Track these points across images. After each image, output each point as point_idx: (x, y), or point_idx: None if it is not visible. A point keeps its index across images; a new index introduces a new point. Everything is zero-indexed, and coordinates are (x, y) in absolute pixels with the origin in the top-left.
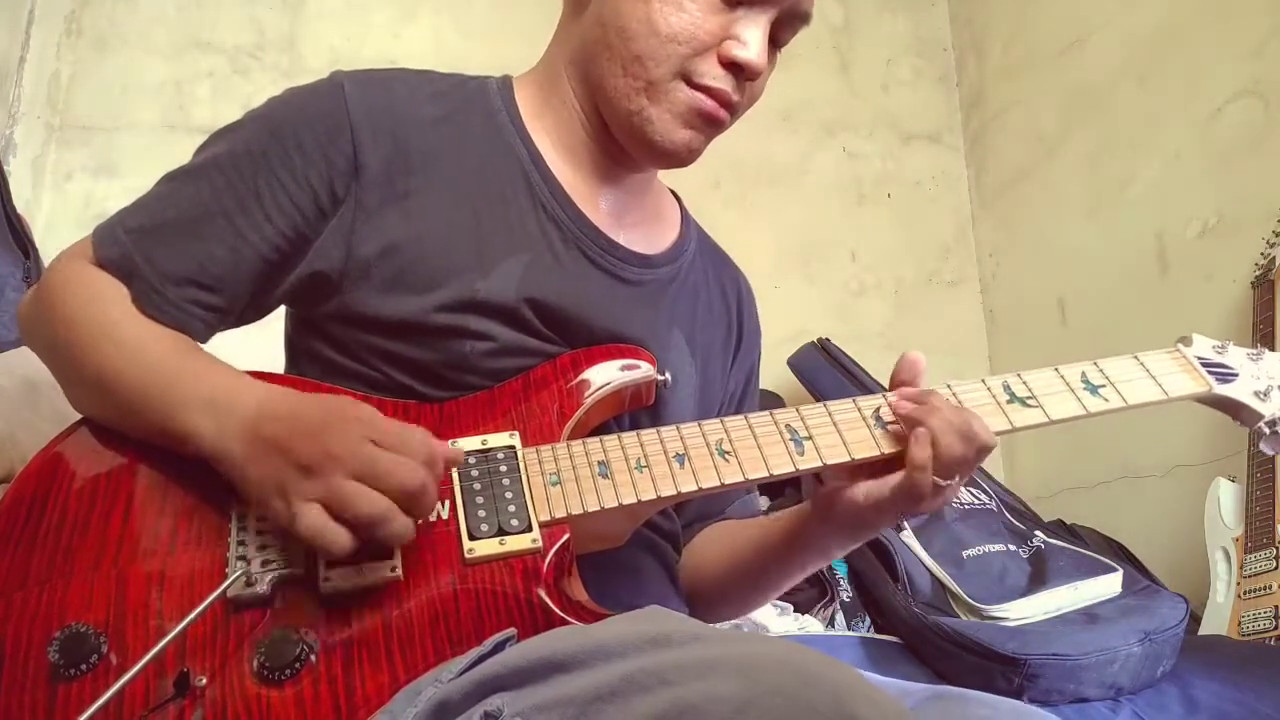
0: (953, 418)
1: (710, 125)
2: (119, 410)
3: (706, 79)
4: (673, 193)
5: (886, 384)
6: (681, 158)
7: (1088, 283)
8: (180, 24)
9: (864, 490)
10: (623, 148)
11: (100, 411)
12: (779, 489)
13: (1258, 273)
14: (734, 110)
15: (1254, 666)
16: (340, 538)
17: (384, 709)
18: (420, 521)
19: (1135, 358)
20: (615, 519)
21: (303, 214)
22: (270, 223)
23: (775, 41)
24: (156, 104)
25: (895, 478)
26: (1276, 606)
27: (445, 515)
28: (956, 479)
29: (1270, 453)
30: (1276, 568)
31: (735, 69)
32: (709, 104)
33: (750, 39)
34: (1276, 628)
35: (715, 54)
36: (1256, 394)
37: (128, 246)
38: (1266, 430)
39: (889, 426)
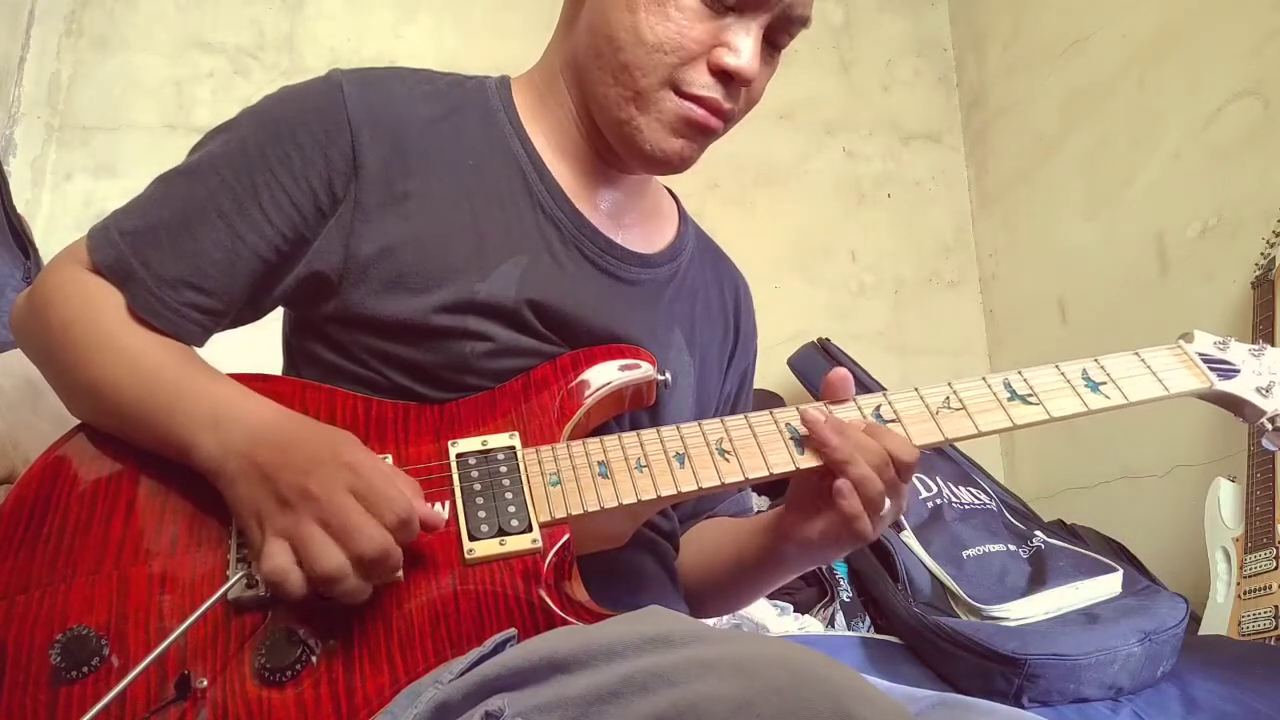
0: (860, 437)
1: (702, 134)
2: (117, 420)
3: (695, 88)
4: (670, 192)
5: (887, 384)
6: (674, 165)
7: (1088, 283)
8: (180, 24)
9: (818, 528)
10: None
11: (97, 418)
12: (779, 489)
13: (1258, 273)
14: (727, 118)
15: (1254, 666)
16: (294, 586)
17: (385, 710)
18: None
19: (1136, 354)
20: (615, 519)
21: (301, 214)
22: (269, 223)
23: (774, 44)
24: (156, 104)
25: (831, 512)
26: (1276, 606)
27: (445, 516)
28: (891, 497)
29: (1272, 449)
30: (1276, 568)
31: (725, 77)
32: (699, 113)
33: (740, 45)
34: (1276, 628)
35: (705, 62)
36: (1258, 390)
37: (123, 250)
38: (1268, 426)
39: (889, 425)
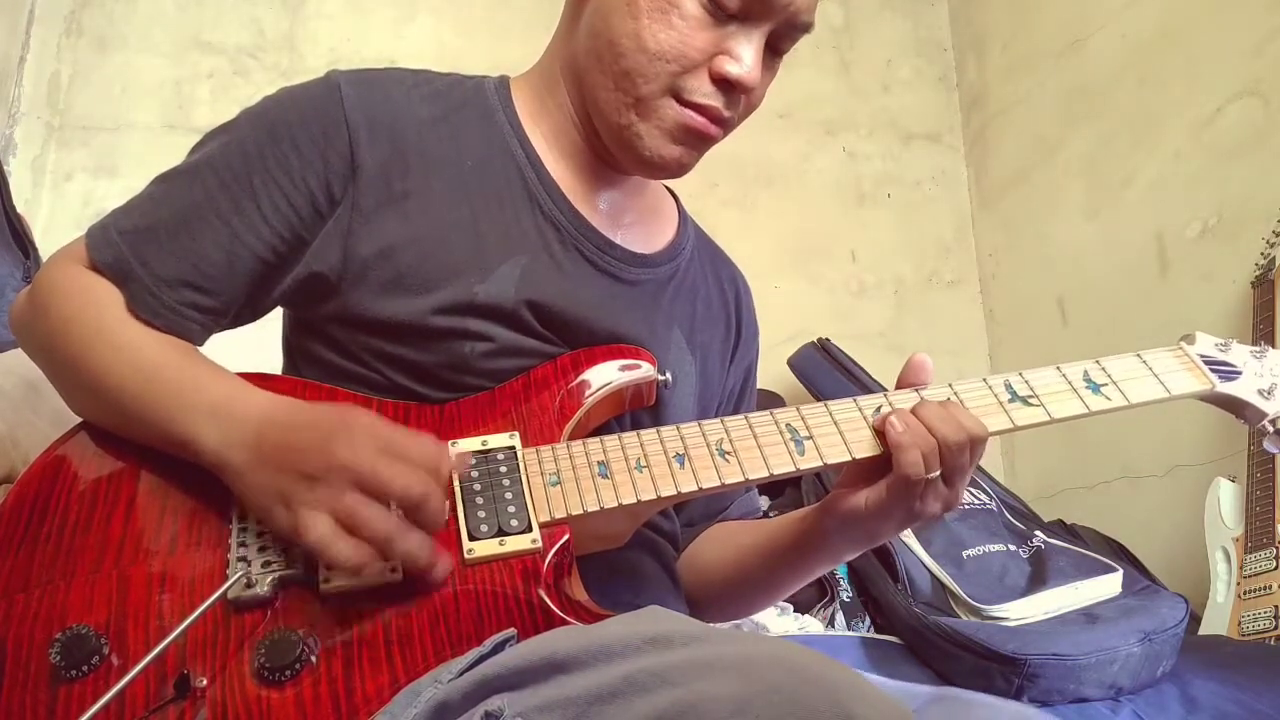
0: (935, 409)
1: (701, 141)
2: (119, 417)
3: (696, 96)
4: (670, 191)
5: (888, 384)
6: (672, 171)
7: (1088, 283)
8: (180, 24)
9: (865, 496)
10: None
11: (98, 416)
12: (779, 489)
13: (1258, 273)
14: (727, 125)
15: (1254, 666)
16: (348, 552)
17: (384, 710)
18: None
19: (1138, 356)
20: (615, 519)
21: (299, 215)
22: (267, 224)
23: (776, 50)
24: (156, 104)
25: (888, 477)
26: (1276, 606)
27: (445, 516)
28: (949, 477)
29: (1273, 451)
30: (1276, 568)
31: (726, 85)
32: (699, 120)
33: (742, 54)
34: (1276, 628)
35: (706, 70)
36: (1260, 392)
37: (121, 249)
38: (1270, 429)
39: None
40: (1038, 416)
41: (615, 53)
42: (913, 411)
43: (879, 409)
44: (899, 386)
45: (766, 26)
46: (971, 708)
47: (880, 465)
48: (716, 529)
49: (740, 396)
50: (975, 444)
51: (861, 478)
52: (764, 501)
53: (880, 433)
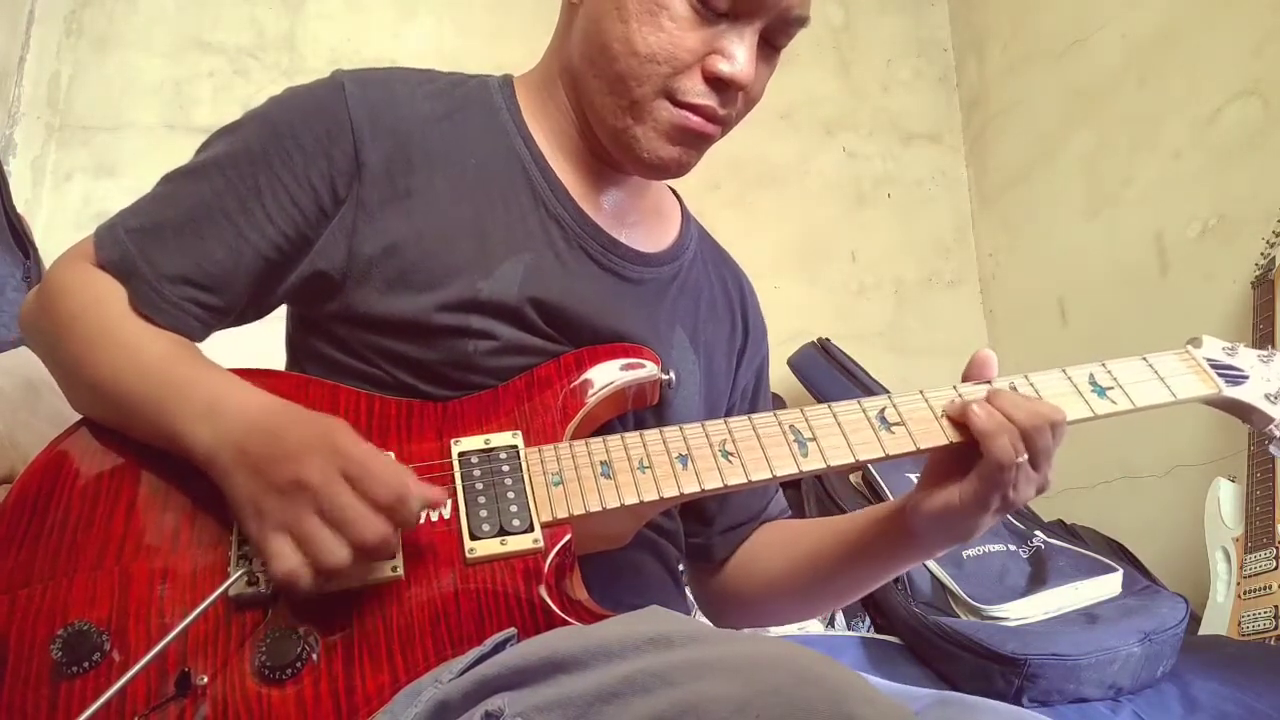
0: (1011, 396)
1: (698, 141)
2: (117, 412)
3: (690, 96)
4: (673, 191)
5: (888, 384)
6: (672, 172)
7: (1088, 283)
8: (180, 24)
9: (958, 491)
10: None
11: (98, 412)
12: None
13: (1258, 273)
14: (724, 123)
15: (1254, 666)
16: (306, 584)
17: (384, 709)
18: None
19: (1144, 359)
20: (617, 519)
21: (304, 214)
22: (271, 222)
23: (773, 45)
24: (156, 104)
25: (978, 467)
26: (1276, 606)
27: (447, 515)
28: (1035, 460)
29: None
30: (1276, 568)
31: (720, 84)
32: (694, 120)
33: (734, 52)
34: (1276, 628)
35: (699, 69)
36: (1267, 396)
37: (127, 247)
38: (1276, 433)
39: (894, 428)
40: None
41: (607, 57)
42: (988, 400)
43: (883, 411)
44: (965, 381)
45: (758, 23)
46: (974, 712)
47: (959, 459)
48: (775, 530)
49: (755, 395)
50: (1054, 426)
51: (943, 475)
52: None
53: (959, 423)
